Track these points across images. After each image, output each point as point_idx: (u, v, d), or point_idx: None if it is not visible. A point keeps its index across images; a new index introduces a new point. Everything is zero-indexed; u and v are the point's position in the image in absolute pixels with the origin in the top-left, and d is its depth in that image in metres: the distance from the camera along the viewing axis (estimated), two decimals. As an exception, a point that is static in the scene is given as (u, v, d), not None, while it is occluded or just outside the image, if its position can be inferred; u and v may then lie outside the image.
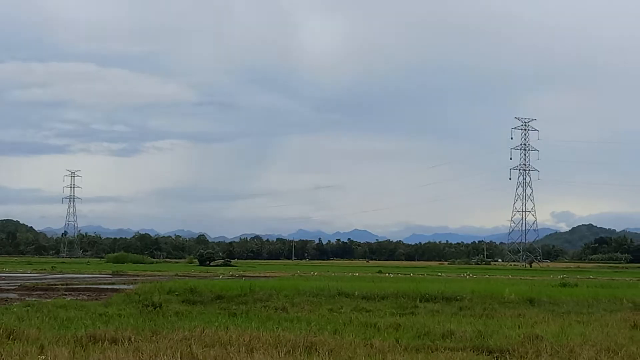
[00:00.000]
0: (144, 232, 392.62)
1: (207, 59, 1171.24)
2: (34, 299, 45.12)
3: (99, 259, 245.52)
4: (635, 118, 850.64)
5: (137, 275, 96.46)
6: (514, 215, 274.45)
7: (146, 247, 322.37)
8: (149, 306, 35.88)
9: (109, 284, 72.55)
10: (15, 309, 34.87)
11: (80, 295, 50.93)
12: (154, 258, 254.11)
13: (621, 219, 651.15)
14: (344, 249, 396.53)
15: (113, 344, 22.69)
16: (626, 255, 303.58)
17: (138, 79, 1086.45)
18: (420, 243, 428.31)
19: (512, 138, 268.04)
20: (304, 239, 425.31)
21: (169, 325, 27.69)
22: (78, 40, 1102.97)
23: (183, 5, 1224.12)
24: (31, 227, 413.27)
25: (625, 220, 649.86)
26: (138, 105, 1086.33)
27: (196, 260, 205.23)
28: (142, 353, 20.27)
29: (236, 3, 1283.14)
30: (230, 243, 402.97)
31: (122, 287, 62.81)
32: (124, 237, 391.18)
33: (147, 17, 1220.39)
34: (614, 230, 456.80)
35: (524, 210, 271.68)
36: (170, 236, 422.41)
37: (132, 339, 23.15)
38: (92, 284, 70.48)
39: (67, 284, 68.47)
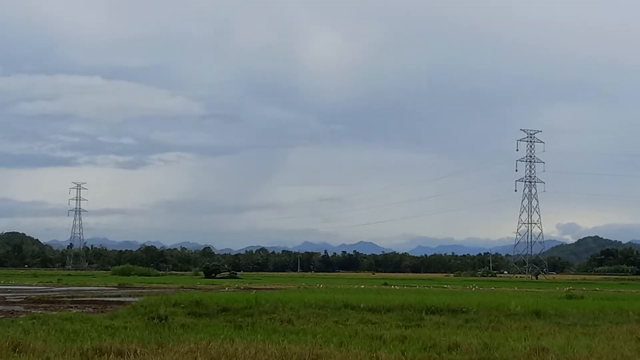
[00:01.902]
0: (149, 245, 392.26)
1: (213, 72, 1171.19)
2: (40, 311, 45.10)
3: (104, 272, 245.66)
4: (638, 129, 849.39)
5: (143, 288, 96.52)
6: (520, 227, 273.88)
7: (152, 259, 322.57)
8: (154, 319, 35.91)
9: (115, 296, 72.56)
10: (21, 322, 34.85)
11: (86, 308, 50.94)
12: (160, 270, 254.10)
13: (627, 230, 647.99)
14: (350, 261, 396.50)
15: (119, 356, 22.74)
16: (632, 267, 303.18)
17: (144, 92, 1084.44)
18: (425, 255, 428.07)
19: (517, 150, 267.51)
20: (310, 251, 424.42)
21: (174, 337, 27.67)
22: (84, 53, 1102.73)
23: (188, 18, 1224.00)
24: (37, 239, 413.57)
25: (632, 232, 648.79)
26: (144, 118, 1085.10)
27: (202, 272, 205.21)
28: (148, 366, 20.30)
29: (241, 16, 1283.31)
30: (236, 255, 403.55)
31: (128, 299, 62.78)
32: (129, 249, 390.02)
33: (152, 30, 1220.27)
34: (620, 242, 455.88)
35: (529, 222, 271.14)
36: (176, 248, 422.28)
37: (138, 352, 23.18)
38: (98, 297, 70.50)
39: (72, 297, 68.44)
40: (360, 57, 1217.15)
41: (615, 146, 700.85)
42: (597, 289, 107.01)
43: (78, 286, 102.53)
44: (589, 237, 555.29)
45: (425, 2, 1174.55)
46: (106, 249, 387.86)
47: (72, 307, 50.80)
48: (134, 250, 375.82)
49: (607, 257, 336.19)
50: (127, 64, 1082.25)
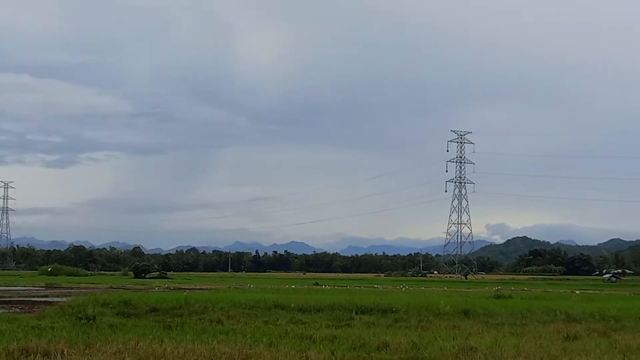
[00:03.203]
0: (78, 244, 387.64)
1: (144, 70, 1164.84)
2: (-36, 312, 44.38)
3: (32, 272, 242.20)
4: (567, 131, 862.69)
5: (71, 288, 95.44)
6: (450, 227, 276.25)
7: (80, 259, 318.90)
8: (82, 319, 35.50)
9: (42, 296, 71.60)
10: (-55, 322, 34.25)
11: (13, 308, 50.20)
12: (89, 270, 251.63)
13: (555, 231, 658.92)
14: (281, 261, 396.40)
15: (46, 357, 22.42)
16: (560, 267, 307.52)
17: (73, 90, 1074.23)
18: (356, 255, 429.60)
19: (448, 151, 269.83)
20: (241, 251, 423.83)
21: (102, 338, 27.38)
22: (12, 51, 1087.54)
23: (119, 16, 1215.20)
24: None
25: (559, 232, 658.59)
26: (73, 116, 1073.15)
27: (131, 272, 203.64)
28: (75, 366, 20.05)
29: (173, 14, 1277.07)
30: (166, 255, 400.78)
31: (55, 299, 62.01)
32: (58, 249, 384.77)
33: (82, 28, 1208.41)
34: (548, 242, 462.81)
35: (459, 222, 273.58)
36: (105, 248, 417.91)
37: (65, 352, 22.89)
38: (25, 297, 69.53)
39: (-1, 297, 67.50)
40: (294, 57, 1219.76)
41: (543, 148, 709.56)
42: (525, 288, 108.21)
43: (5, 286, 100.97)
44: (517, 237, 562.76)
45: (359, 1, 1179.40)
46: (34, 249, 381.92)
47: (-2, 308, 50.07)
48: (62, 250, 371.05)
49: (535, 257, 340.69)
50: (57, 61, 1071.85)
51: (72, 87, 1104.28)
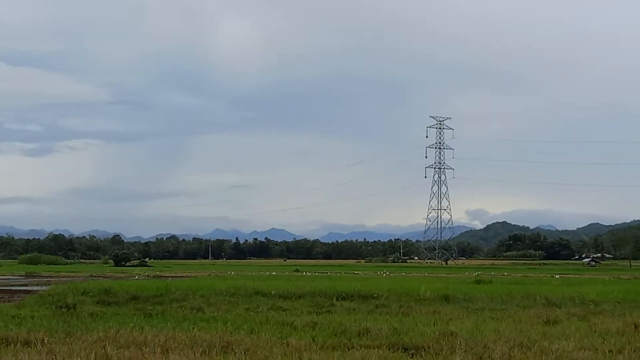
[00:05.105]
0: (57, 233, 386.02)
1: (121, 58, 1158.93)
2: (-56, 301, 44.13)
3: (11, 260, 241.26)
4: (546, 117, 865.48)
5: (51, 277, 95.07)
6: (430, 213, 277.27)
7: (60, 247, 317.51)
8: (62, 307, 35.40)
9: (22, 285, 71.35)
10: None
11: (-8, 297, 49.99)
12: (68, 259, 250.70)
13: (534, 216, 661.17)
14: (261, 248, 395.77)
15: (26, 346, 22.31)
16: (540, 252, 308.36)
17: (51, 78, 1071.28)
18: (337, 241, 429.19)
19: (427, 137, 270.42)
20: (221, 239, 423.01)
21: (83, 326, 27.29)
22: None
23: (96, 4, 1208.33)
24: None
25: (538, 217, 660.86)
26: (51, 105, 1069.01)
27: (111, 260, 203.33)
28: (55, 355, 19.96)
29: (150, 2, 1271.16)
30: (146, 243, 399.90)
31: (35, 288, 61.79)
32: (37, 237, 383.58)
33: (59, 16, 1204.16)
34: (528, 227, 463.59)
35: (439, 208, 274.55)
36: (84, 237, 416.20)
37: (46, 341, 22.79)
38: (5, 286, 69.20)
39: (-22, 286, 67.16)
40: (272, 44, 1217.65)
41: (522, 133, 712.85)
42: (505, 273, 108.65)
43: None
44: (497, 222, 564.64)
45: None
46: (13, 238, 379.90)
47: (-23, 297, 49.81)
48: (42, 238, 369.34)
49: (515, 242, 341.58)
50: (34, 50, 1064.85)
51: (49, 75, 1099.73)
